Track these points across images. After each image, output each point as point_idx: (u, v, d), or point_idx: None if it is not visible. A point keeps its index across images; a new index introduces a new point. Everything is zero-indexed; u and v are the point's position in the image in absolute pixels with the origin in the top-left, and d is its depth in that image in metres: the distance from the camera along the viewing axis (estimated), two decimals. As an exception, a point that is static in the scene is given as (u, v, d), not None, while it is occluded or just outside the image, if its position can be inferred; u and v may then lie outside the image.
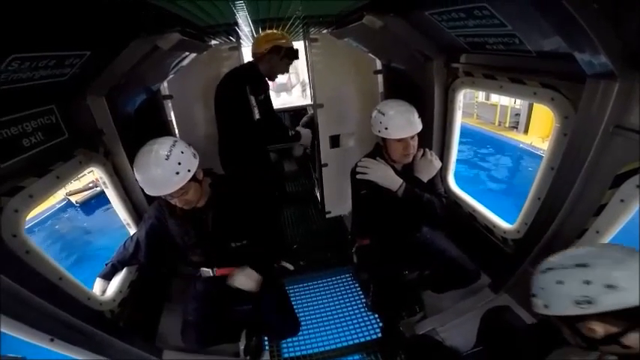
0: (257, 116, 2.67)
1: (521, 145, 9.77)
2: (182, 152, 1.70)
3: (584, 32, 1.09)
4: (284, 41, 2.75)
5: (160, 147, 1.67)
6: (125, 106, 2.27)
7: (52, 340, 1.45)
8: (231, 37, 3.25)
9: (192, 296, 2.17)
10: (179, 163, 1.66)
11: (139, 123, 2.44)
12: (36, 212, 8.02)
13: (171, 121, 3.40)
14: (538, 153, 8.86)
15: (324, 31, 3.21)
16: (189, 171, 1.70)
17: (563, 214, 1.70)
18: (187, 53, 2.78)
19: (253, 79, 2.74)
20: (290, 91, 12.86)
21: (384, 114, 2.02)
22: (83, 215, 9.02)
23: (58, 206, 8.93)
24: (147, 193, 1.70)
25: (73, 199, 9.06)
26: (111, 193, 2.16)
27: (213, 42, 3.27)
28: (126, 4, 1.33)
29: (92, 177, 9.09)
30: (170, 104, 3.37)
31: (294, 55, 2.83)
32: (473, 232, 2.48)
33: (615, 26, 1.10)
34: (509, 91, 1.93)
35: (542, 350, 1.33)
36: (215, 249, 2.06)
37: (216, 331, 2.16)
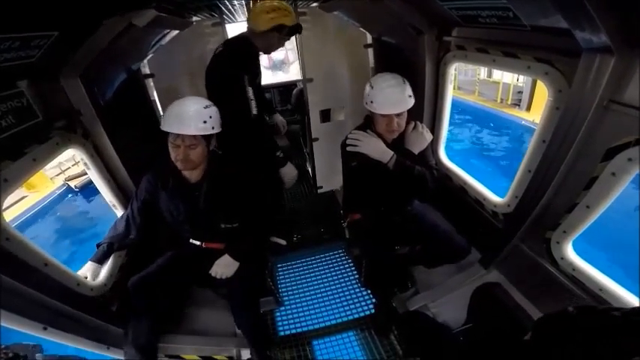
0: (254, 111, 2.35)
1: (523, 122, 9.66)
2: (216, 113, 1.88)
3: (583, 7, 1.04)
4: (289, 18, 2.34)
5: (203, 99, 1.89)
6: (103, 86, 2.21)
7: (45, 328, 1.45)
8: (213, 13, 3.15)
9: (169, 255, 2.17)
10: (210, 117, 1.82)
11: (119, 103, 2.38)
12: (35, 200, 8.11)
13: (154, 100, 3.32)
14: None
15: (313, 4, 3.11)
16: (213, 128, 1.84)
17: (554, 187, 1.67)
18: (167, 30, 2.68)
19: (250, 62, 2.43)
20: (288, 68, 12.61)
21: (372, 87, 1.98)
22: (83, 199, 9.05)
23: (58, 192, 8.95)
24: (164, 127, 1.77)
25: (72, 183, 9.08)
26: (93, 174, 2.13)
27: (195, 18, 3.17)
28: None
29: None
30: (152, 83, 3.29)
31: (296, 31, 2.46)
32: (463, 206, 2.47)
33: (615, 2, 1.04)
34: (503, 65, 1.87)
35: None
36: (204, 227, 2.06)
37: (167, 293, 2.14)
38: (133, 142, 2.43)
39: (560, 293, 1.76)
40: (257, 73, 2.55)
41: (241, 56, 2.37)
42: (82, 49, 1.77)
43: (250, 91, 2.31)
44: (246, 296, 2.16)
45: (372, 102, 1.97)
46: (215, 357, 2.27)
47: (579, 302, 1.63)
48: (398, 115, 1.96)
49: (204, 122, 1.79)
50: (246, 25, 2.44)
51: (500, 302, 1.97)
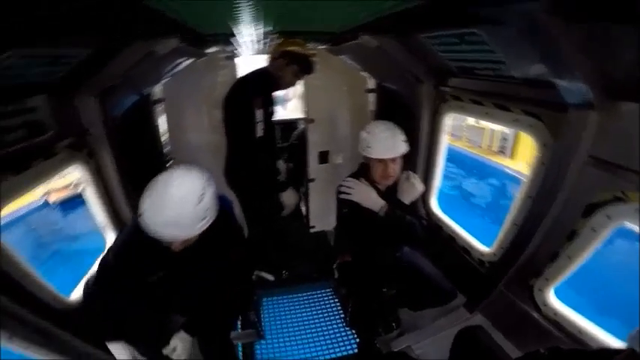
0: (260, 133, 2.46)
1: (506, 171, 9.95)
2: (212, 196, 1.50)
3: (565, 60, 1.14)
4: (296, 47, 2.52)
5: (193, 185, 1.43)
6: (114, 108, 2.25)
7: (10, 338, 1.38)
8: (228, 47, 3.28)
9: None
10: (207, 209, 1.47)
11: (126, 126, 2.42)
12: (10, 209, 7.79)
13: (158, 126, 3.35)
14: (522, 179, 9.02)
15: (320, 47, 3.27)
16: (211, 217, 1.51)
17: (537, 239, 1.74)
18: (183, 59, 2.77)
19: (262, 88, 2.57)
20: (286, 105, 12.88)
21: (369, 132, 2.06)
22: (59, 216, 8.76)
23: (35, 205, 8.65)
24: (149, 232, 1.40)
25: (51, 198, 8.80)
26: (90, 194, 2.12)
27: (210, 50, 3.29)
28: (127, 8, 1.30)
29: (73, 177, 8.85)
30: (159, 109, 3.33)
31: (305, 66, 2.56)
32: (451, 253, 2.52)
33: (595, 56, 1.14)
34: (495, 117, 1.97)
35: None
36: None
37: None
38: (134, 166, 2.44)
39: (541, 336, 1.79)
40: (270, 102, 2.69)
41: (254, 81, 2.59)
42: (103, 71, 1.83)
43: (259, 114, 2.43)
44: (219, 330, 2.05)
45: (368, 147, 2.04)
46: None
47: (559, 344, 1.66)
48: (393, 160, 2.03)
49: (202, 219, 1.46)
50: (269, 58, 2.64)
51: (482, 344, 1.98)
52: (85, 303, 1.79)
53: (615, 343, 1.49)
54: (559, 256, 1.64)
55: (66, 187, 9.02)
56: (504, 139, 10.77)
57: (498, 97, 1.88)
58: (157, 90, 3.25)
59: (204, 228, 1.49)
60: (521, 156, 10.11)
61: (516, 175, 9.43)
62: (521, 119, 1.75)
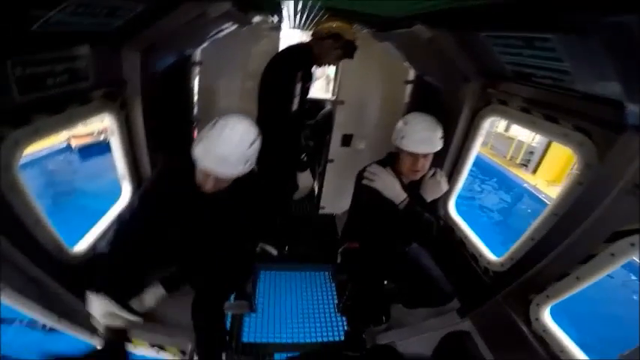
0: (295, 107, 2.55)
1: (524, 185, 9.70)
2: (258, 145, 1.67)
3: None
4: (348, 33, 2.58)
5: (248, 130, 1.61)
6: (155, 65, 2.26)
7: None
8: (274, 17, 3.23)
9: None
10: (253, 154, 1.65)
11: (163, 83, 2.43)
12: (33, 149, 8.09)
13: (193, 87, 3.36)
14: (540, 196, 8.81)
15: (365, 30, 3.15)
16: (251, 165, 1.66)
17: (551, 257, 1.68)
18: (229, 24, 2.73)
19: (305, 63, 2.63)
20: (313, 83, 12.80)
21: (406, 123, 2.00)
22: (78, 160, 9.06)
23: (58, 147, 8.95)
24: (198, 156, 1.55)
25: (73, 143, 9.08)
26: (116, 143, 2.15)
27: (256, 18, 3.21)
28: None
29: (98, 125, 9.13)
30: (197, 71, 3.34)
31: (349, 51, 2.64)
32: (459, 257, 2.47)
33: None
34: (541, 128, 1.85)
35: None
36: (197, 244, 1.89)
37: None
38: (161, 123, 2.47)
39: (524, 351, 1.77)
40: (309, 78, 2.72)
41: (300, 54, 2.63)
42: (153, 27, 1.83)
43: (298, 88, 2.51)
44: (213, 301, 2.05)
45: (402, 137, 1.98)
46: (166, 348, 2.20)
47: None
48: (425, 155, 1.98)
49: (245, 162, 1.60)
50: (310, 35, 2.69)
51: (466, 352, 1.97)
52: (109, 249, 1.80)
53: None
54: (568, 276, 1.59)
55: (89, 134, 9.31)
56: (531, 152, 10.47)
57: (550, 107, 1.77)
58: (198, 52, 3.24)
59: (243, 173, 1.63)
60: (544, 173, 9.84)
61: (533, 192, 9.22)
62: (570, 135, 1.64)
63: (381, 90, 3.44)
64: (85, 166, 8.87)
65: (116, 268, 1.70)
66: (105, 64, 1.85)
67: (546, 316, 1.73)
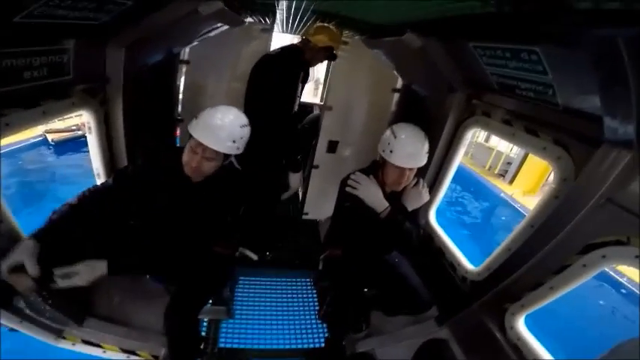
0: (295, 108, 2.69)
1: (501, 195, 9.97)
2: (247, 134, 1.84)
3: (627, 98, 1.06)
4: (337, 45, 2.79)
5: (242, 116, 1.83)
6: (140, 61, 2.21)
7: None
8: (267, 19, 3.20)
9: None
10: (241, 138, 1.79)
11: (147, 81, 2.38)
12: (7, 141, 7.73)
13: (179, 86, 3.29)
14: (515, 206, 9.10)
15: (357, 37, 3.18)
16: (237, 149, 1.79)
17: (526, 267, 1.73)
18: (220, 24, 2.70)
19: (304, 65, 2.74)
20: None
21: (395, 136, 1.98)
22: (54, 155, 8.75)
23: (33, 141, 8.61)
24: (192, 131, 1.71)
25: (50, 137, 8.76)
26: (93, 140, 2.09)
27: (248, 19, 3.20)
28: None
29: (76, 120, 8.86)
30: (184, 70, 3.28)
31: (332, 55, 2.84)
32: (437, 266, 2.51)
33: None
34: (521, 140, 1.90)
35: None
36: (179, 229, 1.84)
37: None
38: (143, 121, 2.41)
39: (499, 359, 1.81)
40: (306, 78, 2.85)
41: (297, 56, 2.75)
42: (142, 23, 1.79)
43: (299, 89, 2.69)
44: (188, 306, 2.00)
45: (390, 151, 1.97)
46: (138, 353, 2.13)
47: None
48: (411, 169, 2.00)
49: (234, 142, 1.75)
50: (300, 38, 2.89)
51: (443, 359, 1.98)
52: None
53: None
54: (542, 285, 1.64)
55: (66, 129, 9.02)
56: (508, 163, 10.80)
57: (531, 120, 1.82)
58: (187, 51, 3.19)
59: (230, 152, 1.76)
60: (520, 183, 10.16)
61: (510, 202, 9.49)
62: (549, 148, 1.69)
63: (369, 97, 3.47)
64: (61, 162, 8.56)
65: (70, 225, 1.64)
66: (88, 59, 1.80)
67: (521, 325, 1.77)
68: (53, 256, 1.55)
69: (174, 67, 3.09)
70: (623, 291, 5.99)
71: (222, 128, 1.71)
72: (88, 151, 2.15)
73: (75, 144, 8.67)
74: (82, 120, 2.08)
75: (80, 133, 8.79)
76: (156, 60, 2.47)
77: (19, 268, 1.47)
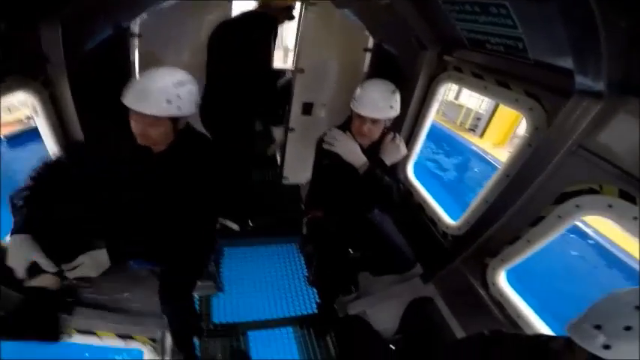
0: (272, 65, 2.80)
1: (472, 147, 10.29)
2: (188, 93, 1.62)
3: (598, 50, 1.06)
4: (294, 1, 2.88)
5: (179, 74, 1.62)
6: (83, 37, 2.02)
7: None
8: None
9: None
10: (178, 96, 1.57)
11: (95, 58, 2.19)
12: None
13: (133, 62, 3.05)
14: (487, 157, 9.43)
15: None
16: (179, 108, 1.58)
17: (504, 220, 1.78)
18: None
19: (273, 22, 2.77)
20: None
21: (362, 87, 1.99)
22: (8, 149, 8.18)
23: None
24: (123, 99, 1.53)
25: (1, 132, 8.11)
26: (41, 122, 1.96)
27: None
28: None
29: (26, 111, 8.19)
30: (136, 43, 3.03)
31: (290, 13, 2.88)
32: (418, 222, 2.57)
33: (633, 55, 1.08)
34: (493, 93, 1.92)
35: None
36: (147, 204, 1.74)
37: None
38: (98, 101, 2.22)
39: (484, 315, 1.89)
40: (275, 36, 2.88)
41: (266, 17, 2.75)
42: None
43: (273, 45, 2.75)
44: (179, 286, 1.97)
45: (355, 100, 1.97)
46: (135, 337, 2.12)
47: (498, 326, 1.76)
48: (373, 121, 1.97)
49: (168, 102, 1.54)
50: (258, 4, 2.86)
51: (429, 318, 2.08)
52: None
53: (548, 332, 1.57)
54: (519, 239, 1.69)
55: (18, 120, 8.37)
56: (478, 118, 11.12)
57: (502, 73, 1.83)
58: (138, 23, 2.94)
59: (169, 114, 1.56)
60: (490, 136, 10.51)
61: (482, 154, 9.82)
62: (521, 100, 1.71)
63: (341, 58, 3.38)
64: (16, 153, 8.01)
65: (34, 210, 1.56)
66: (23, 39, 1.64)
67: (502, 281, 1.84)
68: (52, 243, 1.54)
69: (126, 41, 2.87)
70: (591, 242, 6.34)
71: (150, 89, 1.52)
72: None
73: (30, 135, 8.08)
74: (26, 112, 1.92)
75: (34, 124, 8.17)
76: (104, 35, 2.27)
77: (33, 269, 1.49)
